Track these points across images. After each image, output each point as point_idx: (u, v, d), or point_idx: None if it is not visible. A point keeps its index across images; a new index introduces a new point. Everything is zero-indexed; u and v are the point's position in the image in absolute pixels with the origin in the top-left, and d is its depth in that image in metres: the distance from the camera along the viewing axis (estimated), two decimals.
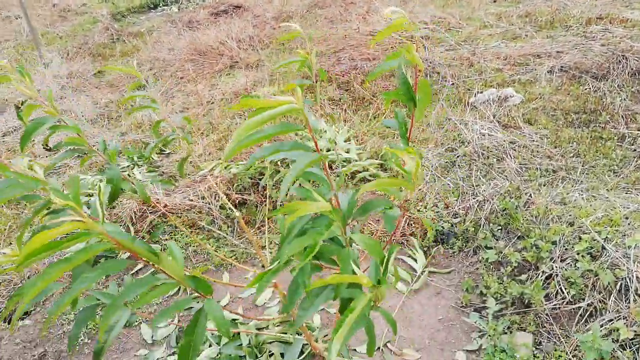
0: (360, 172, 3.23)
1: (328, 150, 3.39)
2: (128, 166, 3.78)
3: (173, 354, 2.27)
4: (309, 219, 1.24)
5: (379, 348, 2.15)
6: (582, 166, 2.89)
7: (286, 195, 1.12)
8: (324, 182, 1.36)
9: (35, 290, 0.89)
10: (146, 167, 3.77)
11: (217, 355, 2.19)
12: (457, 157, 3.21)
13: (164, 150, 4.05)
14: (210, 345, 2.25)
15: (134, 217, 2.97)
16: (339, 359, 2.08)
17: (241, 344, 2.20)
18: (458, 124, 3.50)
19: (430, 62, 4.36)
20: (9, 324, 2.45)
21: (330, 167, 3.34)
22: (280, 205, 2.69)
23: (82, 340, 2.35)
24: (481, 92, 3.81)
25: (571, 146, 3.09)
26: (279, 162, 3.29)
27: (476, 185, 2.86)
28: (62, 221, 0.91)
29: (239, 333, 2.27)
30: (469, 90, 3.96)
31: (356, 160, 3.32)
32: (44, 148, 1.65)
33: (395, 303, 2.39)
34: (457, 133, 3.43)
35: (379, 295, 1.18)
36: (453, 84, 4.07)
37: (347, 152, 3.39)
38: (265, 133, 1.09)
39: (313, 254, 1.04)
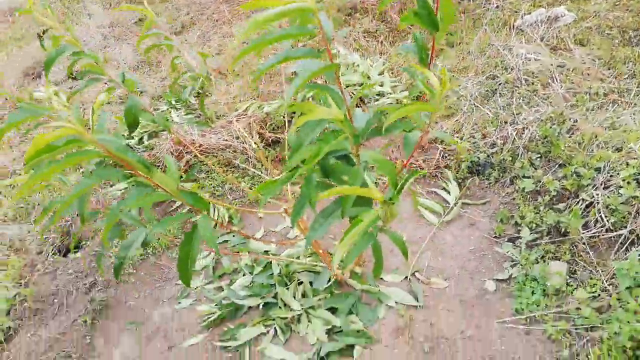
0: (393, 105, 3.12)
1: (361, 84, 3.29)
2: (167, 109, 3.86)
3: (210, 282, 2.38)
4: (320, 132, 1.20)
5: (406, 277, 2.15)
6: (638, 87, 2.63)
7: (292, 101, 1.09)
8: (337, 96, 1.31)
9: (31, 183, 0.94)
10: (184, 109, 3.83)
11: (250, 283, 2.27)
12: (499, 84, 3.01)
13: (201, 93, 4.08)
14: (244, 275, 2.34)
15: (172, 157, 3.06)
16: (367, 287, 2.11)
17: (272, 273, 2.27)
18: (501, 49, 3.26)
19: None
20: (63, 256, 2.65)
21: (363, 102, 3.25)
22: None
23: (127, 271, 2.51)
24: (529, 14, 3.50)
25: (626, 67, 2.81)
26: (310, 99, 3.24)
27: (517, 114, 2.69)
28: (56, 127, 0.94)
29: (270, 262, 2.34)
30: (515, 12, 3.65)
31: (390, 94, 3.20)
32: (68, 77, 1.71)
33: (425, 234, 2.36)
34: (500, 59, 3.20)
35: (388, 213, 1.15)
36: (498, 6, 3.77)
37: (381, 86, 3.27)
38: (274, 35, 1.05)
39: (318, 158, 1.02)
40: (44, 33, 1.58)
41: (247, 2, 0.97)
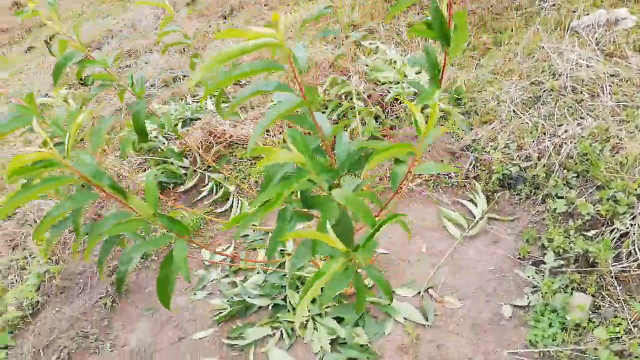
0: (428, 107, 3.00)
1: (397, 83, 3.18)
2: (204, 96, 3.90)
3: (226, 276, 2.42)
4: (292, 166, 1.15)
5: (419, 292, 2.09)
6: None
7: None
8: (313, 129, 1.25)
9: (6, 209, 0.96)
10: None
11: (263, 282, 2.28)
12: (544, 91, 2.83)
13: (240, 81, 4.10)
14: (258, 272, 2.36)
15: (200, 148, 3.10)
16: (376, 299, 2.07)
17: (285, 275, 2.27)
18: (551, 52, 3.05)
19: None
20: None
21: (397, 100, 3.14)
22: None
23: (150, 257, 2.58)
24: (587, 14, 3.24)
25: None
26: (343, 96, 3.17)
27: (558, 125, 2.52)
28: (32, 151, 0.95)
29: (284, 262, 2.34)
30: (573, 12, 3.39)
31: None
32: (79, 82, 1.73)
33: (446, 248, 2.27)
34: (549, 64, 3.00)
35: (358, 261, 1.09)
36: (554, 4, 3.52)
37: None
38: (241, 70, 1.02)
39: (275, 206, 0.98)
40: (51, 39, 1.60)
41: (221, 32, 0.93)
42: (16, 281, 2.57)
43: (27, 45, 6.57)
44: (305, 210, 1.13)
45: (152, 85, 4.45)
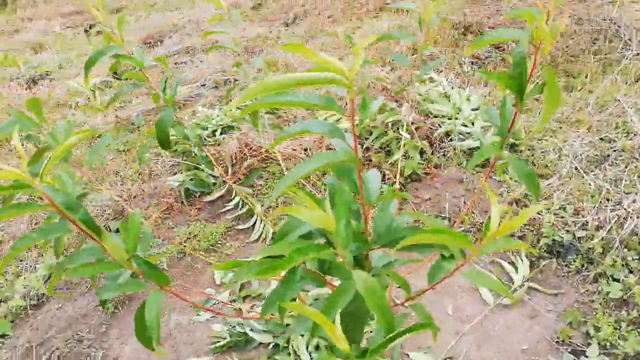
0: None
1: (449, 118, 2.96)
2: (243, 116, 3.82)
3: (234, 300, 2.28)
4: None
5: None
6: None
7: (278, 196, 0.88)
8: (355, 187, 1.07)
9: None
10: (264, 110, 3.76)
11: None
12: (613, 150, 2.52)
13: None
14: None
15: (234, 159, 2.99)
16: None
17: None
18: (628, 107, 2.73)
19: (615, 22, 3.45)
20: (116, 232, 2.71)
21: (448, 136, 2.91)
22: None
23: (161, 267, 2.49)
24: None
25: None
26: (389, 124, 2.98)
27: (626, 193, 2.22)
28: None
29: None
30: None
31: (478, 138, 2.83)
32: (113, 76, 1.65)
33: (475, 313, 2.03)
34: (623, 120, 2.68)
35: None
36: (638, 54, 3.18)
37: (472, 125, 2.91)
38: (291, 99, 0.85)
39: (278, 271, 0.80)
40: (90, 28, 1.53)
41: (289, 45, 0.77)
42: (30, 267, 2.55)
43: (96, 29, 6.79)
44: (319, 272, 0.95)
45: (202, 85, 4.42)
